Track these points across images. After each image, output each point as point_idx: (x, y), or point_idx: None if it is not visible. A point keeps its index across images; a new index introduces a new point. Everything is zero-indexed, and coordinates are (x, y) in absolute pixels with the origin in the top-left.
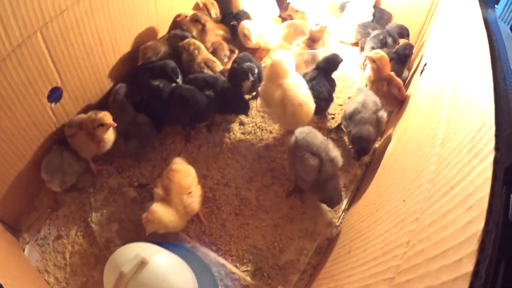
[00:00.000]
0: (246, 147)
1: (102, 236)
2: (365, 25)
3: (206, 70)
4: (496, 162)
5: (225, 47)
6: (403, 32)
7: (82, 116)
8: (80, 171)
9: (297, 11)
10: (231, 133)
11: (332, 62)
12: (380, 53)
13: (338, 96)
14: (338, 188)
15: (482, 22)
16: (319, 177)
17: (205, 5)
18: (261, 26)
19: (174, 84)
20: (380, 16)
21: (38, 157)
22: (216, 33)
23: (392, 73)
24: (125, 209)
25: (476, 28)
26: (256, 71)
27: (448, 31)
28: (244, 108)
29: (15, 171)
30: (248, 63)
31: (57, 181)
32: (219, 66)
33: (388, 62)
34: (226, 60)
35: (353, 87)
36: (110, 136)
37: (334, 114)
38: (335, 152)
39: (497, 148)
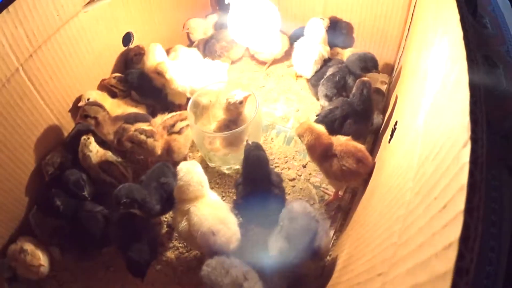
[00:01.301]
0: (175, 257)
1: None
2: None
3: (103, 176)
4: None
5: (130, 131)
6: (368, 65)
7: (13, 249)
8: None
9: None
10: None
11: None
12: (304, 123)
13: (289, 166)
14: None
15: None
16: None
17: (108, 84)
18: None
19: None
20: (334, 28)
21: None
22: (116, 118)
23: (344, 140)
24: None
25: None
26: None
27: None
28: (136, 271)
29: None
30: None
31: None
32: (118, 168)
33: (320, 132)
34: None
35: None
36: (44, 268)
37: None
38: None
39: None
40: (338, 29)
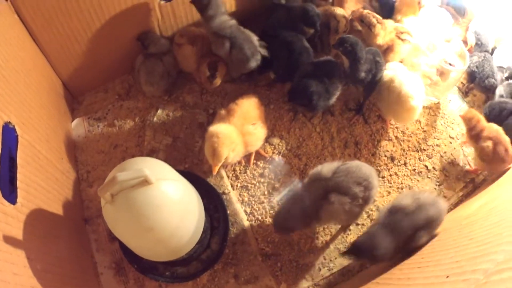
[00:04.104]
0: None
1: (150, 144)
2: None
3: None
4: None
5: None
6: None
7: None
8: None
9: None
10: None
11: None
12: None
13: (454, 128)
14: None
15: None
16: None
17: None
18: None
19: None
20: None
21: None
22: None
23: (499, 129)
24: (185, 130)
25: None
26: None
27: None
28: (310, 103)
29: (109, 45)
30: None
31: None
32: None
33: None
34: None
35: None
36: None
37: None
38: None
39: None
40: None
